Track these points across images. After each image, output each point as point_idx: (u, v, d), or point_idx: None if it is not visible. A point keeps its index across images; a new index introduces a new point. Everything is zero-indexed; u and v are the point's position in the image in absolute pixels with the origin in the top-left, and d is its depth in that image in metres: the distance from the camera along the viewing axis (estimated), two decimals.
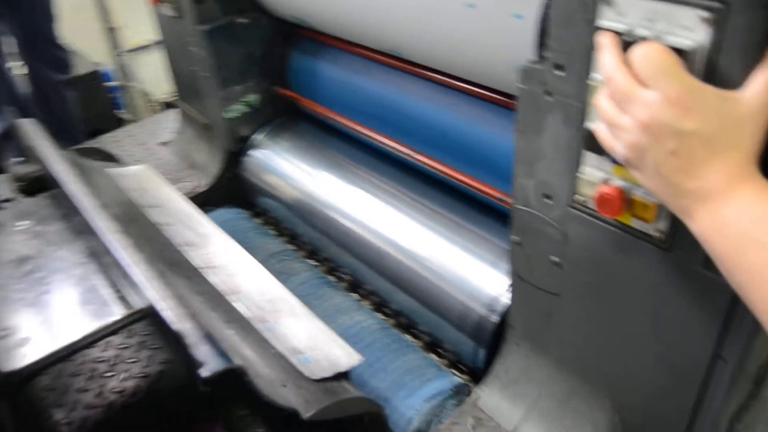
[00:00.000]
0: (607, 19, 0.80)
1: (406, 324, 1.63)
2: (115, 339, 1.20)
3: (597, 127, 0.81)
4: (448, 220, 1.57)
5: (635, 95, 0.70)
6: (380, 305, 1.70)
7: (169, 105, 3.94)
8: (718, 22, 0.71)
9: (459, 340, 1.44)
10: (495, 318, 1.35)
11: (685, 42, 0.73)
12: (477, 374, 1.44)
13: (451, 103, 1.52)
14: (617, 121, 0.74)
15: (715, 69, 0.73)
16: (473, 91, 1.45)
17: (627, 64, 0.73)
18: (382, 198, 1.70)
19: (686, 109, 0.67)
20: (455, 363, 1.51)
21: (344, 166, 1.86)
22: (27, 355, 1.01)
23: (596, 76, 0.85)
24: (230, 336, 1.02)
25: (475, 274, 1.43)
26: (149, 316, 1.05)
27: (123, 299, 1.14)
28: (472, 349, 1.41)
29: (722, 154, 0.67)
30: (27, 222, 1.42)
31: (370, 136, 1.76)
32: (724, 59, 0.72)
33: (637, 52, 0.71)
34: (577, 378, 1.17)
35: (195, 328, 0.89)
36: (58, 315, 1.13)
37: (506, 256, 1.34)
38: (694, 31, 0.73)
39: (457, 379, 1.42)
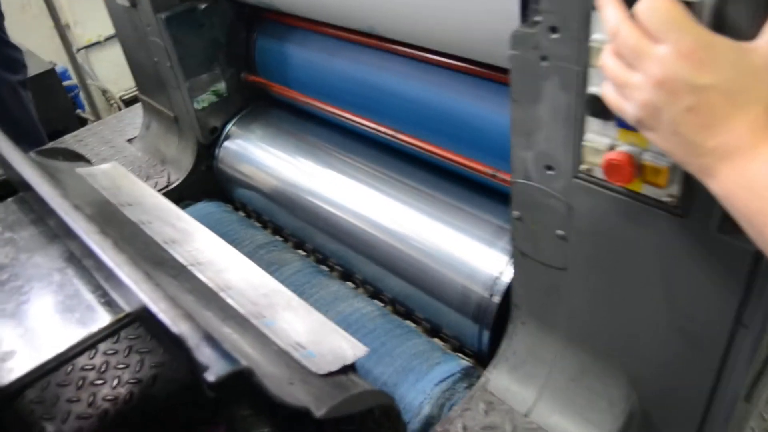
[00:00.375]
0: None
1: (403, 312, 1.59)
2: (103, 345, 1.15)
3: (603, 88, 0.77)
4: (439, 200, 1.52)
5: (646, 51, 0.67)
6: (374, 294, 1.65)
7: (130, 101, 3.84)
8: None
9: (461, 323, 1.41)
10: (497, 299, 1.32)
11: None
12: (482, 358, 1.41)
13: (431, 78, 1.48)
14: (627, 79, 0.70)
15: (724, 20, 0.70)
16: (454, 65, 1.41)
17: (632, 19, 0.69)
18: (367, 182, 1.65)
19: (701, 62, 0.64)
20: (458, 348, 1.48)
21: (323, 151, 1.81)
22: (14, 370, 0.96)
23: (596, 36, 0.82)
24: (228, 335, 0.97)
25: (473, 255, 1.39)
26: (142, 318, 0.99)
27: (109, 303, 1.09)
28: (476, 332, 1.37)
29: (743, 107, 0.64)
30: None
31: (347, 119, 1.71)
32: (733, 9, 0.69)
33: (643, 4, 0.67)
34: (589, 354, 1.15)
35: (194, 329, 0.84)
36: (42, 324, 1.07)
37: (503, 235, 1.31)
38: None
39: (465, 361, 1.39)
